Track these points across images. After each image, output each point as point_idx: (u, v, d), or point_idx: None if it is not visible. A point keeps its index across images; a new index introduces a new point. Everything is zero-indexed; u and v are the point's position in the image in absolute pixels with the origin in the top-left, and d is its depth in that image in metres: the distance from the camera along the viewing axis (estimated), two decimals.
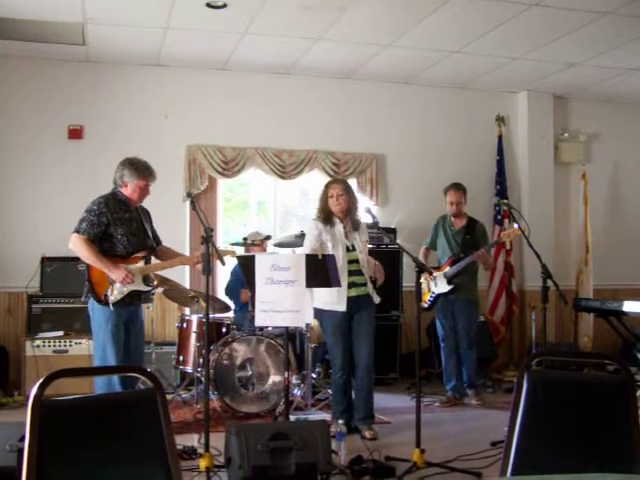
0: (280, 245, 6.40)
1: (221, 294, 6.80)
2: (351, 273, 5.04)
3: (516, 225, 5.47)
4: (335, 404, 5.22)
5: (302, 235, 6.06)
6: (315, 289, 4.84)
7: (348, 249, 5.08)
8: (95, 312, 4.55)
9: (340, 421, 4.85)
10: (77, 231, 4.49)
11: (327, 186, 5.26)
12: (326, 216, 5.13)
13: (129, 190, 4.61)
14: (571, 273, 8.22)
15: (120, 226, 4.56)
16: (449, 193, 6.15)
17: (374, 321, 5.20)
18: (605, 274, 8.17)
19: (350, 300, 5.02)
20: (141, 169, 4.59)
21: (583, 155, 8.46)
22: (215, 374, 5.54)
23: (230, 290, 6.53)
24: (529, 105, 8.22)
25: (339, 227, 5.12)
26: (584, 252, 8.13)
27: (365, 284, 5.09)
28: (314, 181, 7.78)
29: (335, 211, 5.12)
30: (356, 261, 5.08)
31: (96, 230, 4.49)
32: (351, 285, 5.03)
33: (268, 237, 6.54)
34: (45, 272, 6.66)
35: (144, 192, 4.65)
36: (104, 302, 4.48)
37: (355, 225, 5.13)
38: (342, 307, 5.01)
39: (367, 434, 5.03)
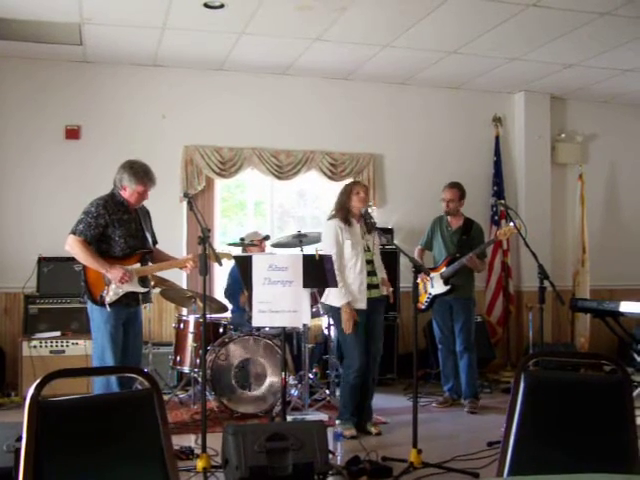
0: (277, 245, 6.39)
1: (218, 295, 6.79)
2: (367, 274, 5.08)
3: (512, 223, 5.48)
4: (344, 405, 5.15)
5: (299, 235, 6.07)
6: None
7: (365, 249, 5.13)
8: (94, 313, 4.56)
9: (348, 424, 4.94)
10: (73, 232, 4.49)
11: (353, 184, 5.37)
12: (345, 214, 5.16)
13: (127, 193, 4.61)
14: (568, 274, 8.23)
15: (118, 227, 4.56)
16: (444, 191, 6.16)
17: (383, 323, 5.31)
18: (602, 274, 8.18)
19: (369, 301, 5.06)
20: (140, 174, 4.57)
21: (580, 156, 8.47)
22: (212, 374, 5.54)
23: (229, 293, 6.52)
24: (526, 106, 8.23)
25: (357, 227, 5.16)
26: (581, 252, 8.14)
27: (378, 285, 5.15)
28: (311, 181, 7.79)
29: (356, 208, 5.15)
30: (371, 262, 5.13)
31: (93, 232, 4.48)
32: (369, 286, 5.08)
33: (267, 237, 6.54)
34: (42, 272, 6.64)
35: (142, 197, 4.64)
36: (100, 303, 4.49)
37: (369, 227, 5.17)
38: (363, 305, 5.02)
39: (374, 429, 5.15)
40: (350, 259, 5.04)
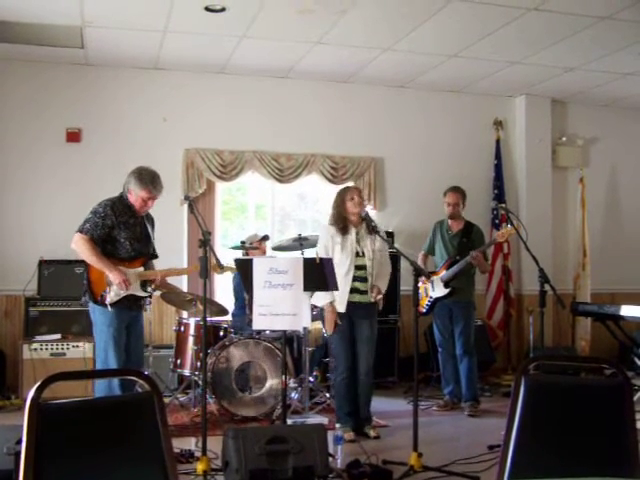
0: (278, 249, 6.39)
1: (219, 297, 6.79)
2: (355, 279, 5.08)
3: (509, 226, 5.49)
4: (338, 407, 5.22)
5: (300, 239, 6.07)
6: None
7: (357, 254, 5.12)
8: (96, 316, 4.57)
9: (346, 427, 4.97)
10: (80, 230, 4.52)
11: (346, 189, 5.32)
12: (341, 222, 5.15)
13: (132, 198, 4.64)
14: (569, 277, 8.23)
15: (124, 230, 4.58)
16: (447, 194, 6.17)
17: (376, 328, 5.27)
18: (603, 278, 8.18)
19: (351, 305, 5.07)
20: (145, 181, 4.59)
21: (581, 159, 8.48)
22: (213, 377, 5.53)
23: (238, 289, 6.47)
24: (527, 109, 8.24)
25: (352, 232, 5.15)
26: (582, 256, 8.15)
27: (366, 292, 5.13)
28: (312, 185, 7.80)
29: (353, 213, 5.14)
30: (363, 267, 5.11)
31: (99, 232, 4.51)
32: (354, 291, 5.08)
33: (265, 237, 6.52)
34: (43, 275, 6.64)
35: (145, 203, 4.65)
36: (100, 302, 4.50)
37: (370, 229, 5.10)
38: (341, 308, 5.05)
39: (372, 433, 5.14)
40: (337, 263, 5.02)
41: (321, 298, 5.06)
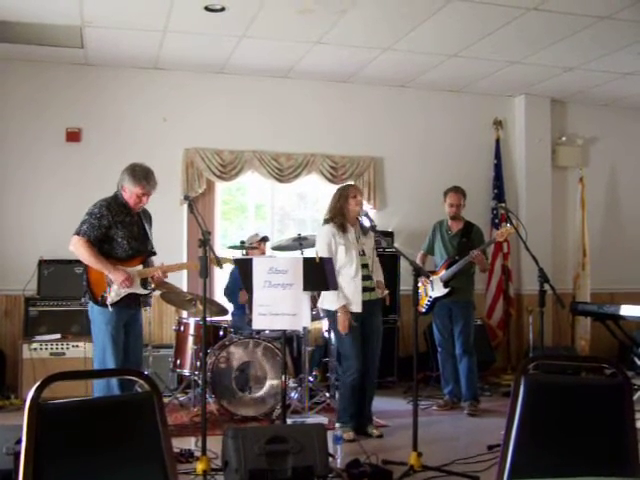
0: (278, 248, 6.40)
1: (219, 297, 6.80)
2: (362, 278, 5.09)
3: (509, 225, 5.50)
4: (342, 408, 5.18)
5: (300, 238, 6.07)
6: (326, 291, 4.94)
7: (360, 253, 5.13)
8: (95, 315, 4.56)
9: (346, 427, 4.95)
10: (78, 233, 4.51)
11: (349, 187, 5.32)
12: (341, 220, 5.15)
13: (127, 195, 4.63)
14: (568, 277, 8.23)
15: (121, 229, 4.58)
16: (449, 195, 6.16)
17: (382, 325, 5.30)
18: (602, 278, 8.18)
19: (365, 304, 5.06)
20: (139, 177, 4.58)
21: (580, 159, 8.48)
22: (212, 377, 5.53)
23: (229, 292, 6.53)
24: (527, 109, 8.24)
25: (351, 231, 5.16)
26: (581, 256, 8.15)
27: (374, 288, 5.16)
28: (312, 184, 7.80)
29: (353, 211, 5.15)
30: (366, 266, 5.13)
31: (96, 232, 4.50)
32: (365, 289, 5.09)
33: (265, 238, 6.53)
34: (42, 275, 6.65)
35: (140, 200, 4.63)
36: (101, 303, 4.49)
37: (364, 230, 5.18)
38: (357, 308, 5.04)
39: (375, 432, 5.16)
40: (344, 264, 5.04)
41: (333, 302, 5.03)
